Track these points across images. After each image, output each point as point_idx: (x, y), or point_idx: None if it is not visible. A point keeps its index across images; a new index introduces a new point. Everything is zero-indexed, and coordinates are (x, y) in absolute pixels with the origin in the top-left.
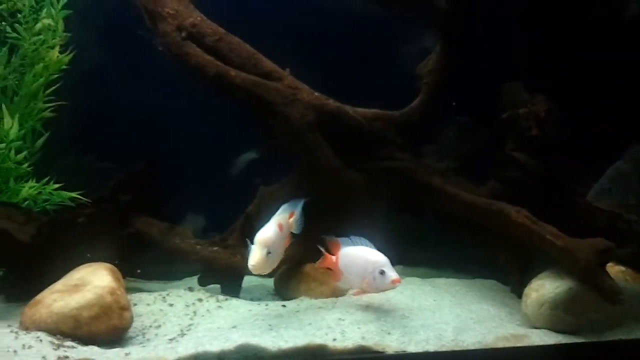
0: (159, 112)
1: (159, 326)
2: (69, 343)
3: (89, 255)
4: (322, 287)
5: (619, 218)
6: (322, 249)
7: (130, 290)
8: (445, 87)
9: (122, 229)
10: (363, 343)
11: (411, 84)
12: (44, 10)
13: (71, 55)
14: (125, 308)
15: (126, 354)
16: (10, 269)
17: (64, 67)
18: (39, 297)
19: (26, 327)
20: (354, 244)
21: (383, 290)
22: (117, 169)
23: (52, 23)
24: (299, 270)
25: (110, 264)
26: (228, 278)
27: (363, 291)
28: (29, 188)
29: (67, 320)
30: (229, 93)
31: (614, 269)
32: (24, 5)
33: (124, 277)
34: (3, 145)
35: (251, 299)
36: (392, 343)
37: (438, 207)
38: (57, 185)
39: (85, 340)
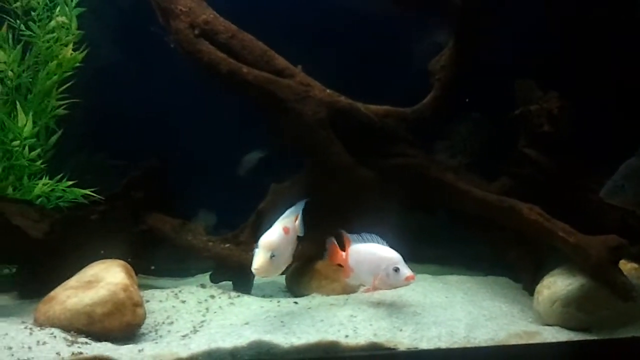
0: (171, 109)
1: (172, 323)
2: (82, 339)
3: (102, 252)
4: (333, 284)
5: (632, 215)
6: (328, 245)
7: (142, 287)
8: (458, 84)
9: (134, 225)
10: (375, 340)
11: (424, 80)
12: (58, 8)
13: (85, 52)
14: (138, 304)
15: (139, 350)
16: (23, 266)
17: (77, 64)
18: (52, 293)
19: (40, 324)
20: (364, 240)
21: (396, 287)
22: (129, 166)
23: (66, 21)
24: (310, 267)
25: (123, 261)
26: (240, 275)
27: (375, 288)
28: (42, 185)
29: (80, 317)
30: (242, 90)
31: (627, 266)
32: (38, 3)
33: (136, 274)
34: (17, 142)
35: (263, 296)
36: (404, 340)
37: (449, 204)
38: (70, 183)
39: (98, 337)
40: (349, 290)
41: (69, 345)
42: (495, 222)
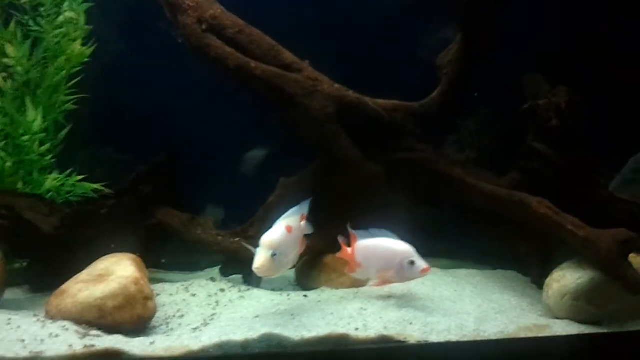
0: (179, 104)
1: (182, 316)
2: (94, 332)
3: (113, 246)
4: (342, 278)
5: None
6: (340, 241)
7: (152, 280)
8: (466, 78)
9: (144, 220)
10: (385, 333)
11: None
12: (66, 3)
13: (93, 48)
14: (149, 298)
15: (151, 343)
16: (34, 260)
17: (86, 59)
18: (64, 286)
19: (52, 317)
20: (372, 236)
21: (411, 280)
22: (137, 161)
23: (74, 16)
24: (320, 260)
25: (133, 255)
26: (250, 268)
27: (386, 282)
28: (52, 180)
29: (92, 310)
30: (250, 85)
31: (637, 260)
32: None
33: (146, 268)
34: (27, 137)
35: (272, 290)
36: (414, 333)
37: (458, 198)
38: (80, 177)
39: (110, 330)
40: (358, 283)
41: (80, 338)
42: (504, 217)
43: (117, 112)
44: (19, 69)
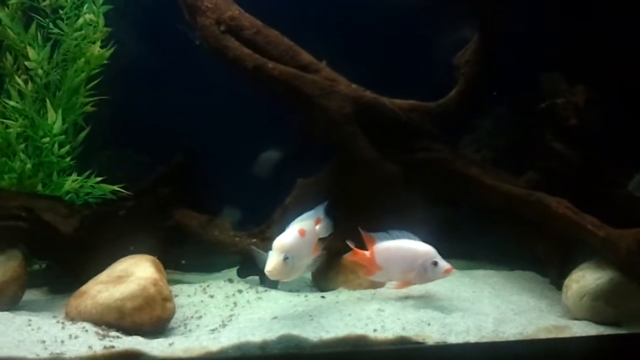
0: (196, 106)
1: (200, 317)
2: (114, 333)
3: (132, 247)
4: (359, 279)
5: None
6: (351, 245)
7: (170, 282)
8: (483, 78)
9: (162, 221)
10: (403, 334)
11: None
12: (85, 6)
13: (112, 50)
14: (167, 299)
15: (170, 344)
16: (54, 261)
17: (105, 61)
18: (84, 288)
19: (72, 318)
20: (391, 238)
21: (433, 281)
22: (156, 162)
23: (94, 18)
24: (337, 261)
25: (152, 256)
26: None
27: (408, 283)
28: (71, 181)
29: (111, 311)
30: (267, 85)
31: None
32: (66, 1)
33: (165, 269)
34: (47, 139)
35: (290, 291)
36: (432, 334)
37: (475, 199)
38: (98, 179)
39: (129, 331)
40: (375, 284)
41: (100, 339)
42: (522, 217)
43: (135, 114)
44: (40, 71)
